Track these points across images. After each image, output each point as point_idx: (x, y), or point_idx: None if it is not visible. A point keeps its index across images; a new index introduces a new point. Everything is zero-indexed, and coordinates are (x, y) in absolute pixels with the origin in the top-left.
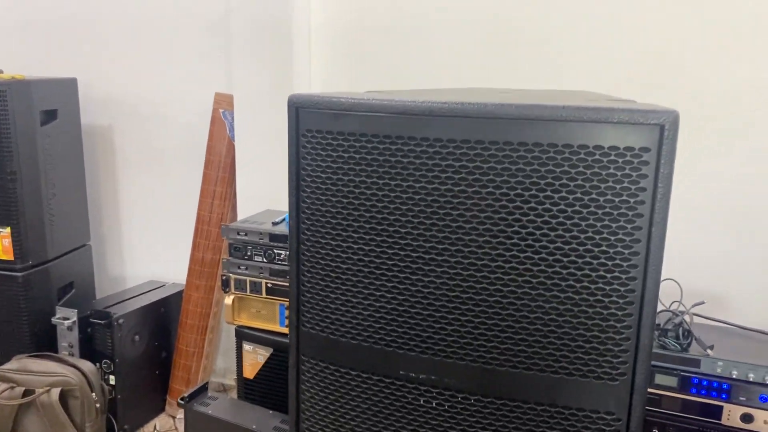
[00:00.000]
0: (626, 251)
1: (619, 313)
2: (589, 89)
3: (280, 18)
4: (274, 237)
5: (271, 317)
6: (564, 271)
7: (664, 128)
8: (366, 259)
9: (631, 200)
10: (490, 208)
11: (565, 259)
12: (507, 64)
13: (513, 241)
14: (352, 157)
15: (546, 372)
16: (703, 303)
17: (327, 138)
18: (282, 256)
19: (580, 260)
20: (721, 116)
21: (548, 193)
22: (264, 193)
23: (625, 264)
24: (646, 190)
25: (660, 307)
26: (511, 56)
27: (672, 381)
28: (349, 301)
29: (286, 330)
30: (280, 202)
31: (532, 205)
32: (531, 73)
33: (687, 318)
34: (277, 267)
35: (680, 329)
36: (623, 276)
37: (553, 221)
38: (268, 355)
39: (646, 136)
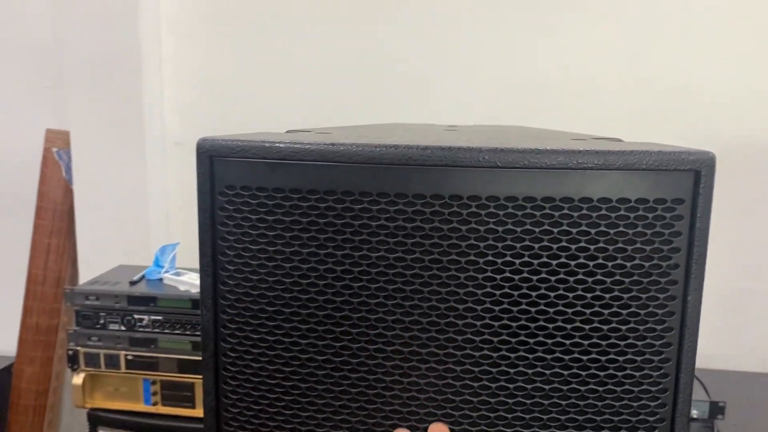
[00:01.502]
0: (659, 327)
1: (652, 404)
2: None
3: (125, 44)
4: (133, 299)
5: (133, 395)
6: (584, 358)
7: (700, 174)
8: (321, 356)
9: (664, 264)
10: (489, 283)
11: (585, 343)
12: (383, 99)
13: (520, 323)
14: (297, 221)
15: None
16: None
17: (259, 197)
18: (144, 321)
19: (603, 342)
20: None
21: (563, 260)
22: (112, 245)
23: (657, 343)
24: (680, 251)
25: None
26: (385, 92)
27: None
28: (296, 401)
29: (151, 409)
30: (135, 256)
31: (543, 276)
32: (407, 107)
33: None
34: (138, 335)
35: None
36: (655, 358)
37: (570, 295)
38: None
39: (679, 184)
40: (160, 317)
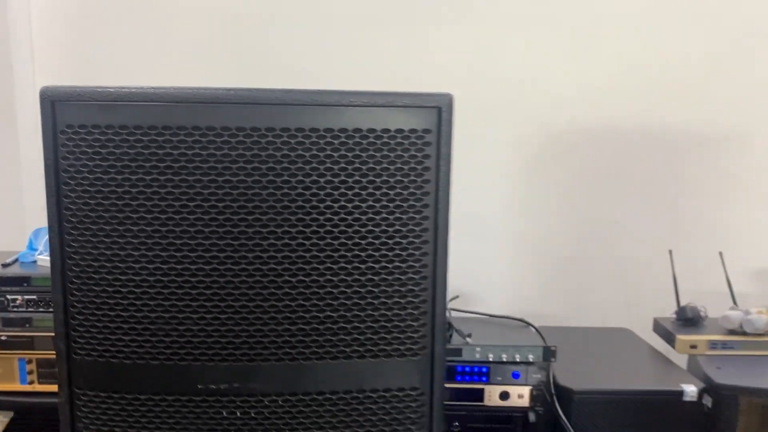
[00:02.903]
0: (417, 228)
1: (416, 288)
2: None
3: None
4: (5, 280)
5: (8, 375)
6: (363, 254)
7: (441, 110)
8: (149, 266)
9: (419, 180)
10: (286, 198)
11: (363, 242)
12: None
13: (312, 229)
14: (126, 152)
15: (352, 358)
16: (457, 297)
17: (93, 133)
18: (18, 301)
19: (377, 241)
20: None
21: (342, 178)
22: None
23: (417, 240)
24: (430, 169)
25: None
26: (264, 83)
27: None
28: (132, 316)
29: (28, 388)
30: (9, 246)
31: (329, 191)
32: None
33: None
34: (12, 315)
35: None
36: (417, 252)
37: (349, 205)
38: (7, 420)
39: (427, 118)
40: (34, 296)
